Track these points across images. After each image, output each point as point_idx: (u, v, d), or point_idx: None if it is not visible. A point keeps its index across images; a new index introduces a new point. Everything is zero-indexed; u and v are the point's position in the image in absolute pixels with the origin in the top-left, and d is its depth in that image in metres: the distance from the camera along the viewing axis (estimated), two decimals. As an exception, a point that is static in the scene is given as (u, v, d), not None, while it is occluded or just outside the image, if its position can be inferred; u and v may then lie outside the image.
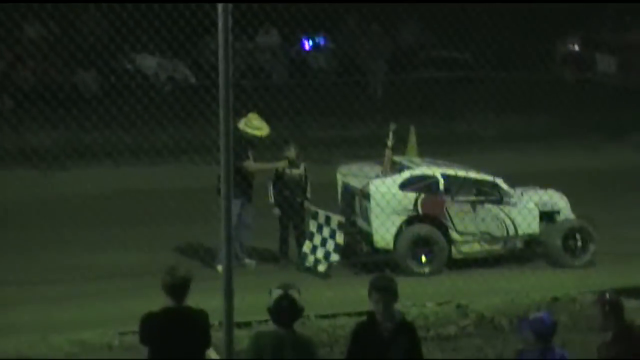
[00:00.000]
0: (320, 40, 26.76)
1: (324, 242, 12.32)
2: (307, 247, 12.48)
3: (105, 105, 15.01)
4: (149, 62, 24.72)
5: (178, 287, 6.75)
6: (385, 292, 6.80)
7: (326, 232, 12.30)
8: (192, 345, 6.77)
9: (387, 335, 6.80)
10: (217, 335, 6.96)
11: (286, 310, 6.51)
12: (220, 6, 5.92)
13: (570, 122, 21.44)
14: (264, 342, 6.56)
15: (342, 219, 12.34)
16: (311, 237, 12.47)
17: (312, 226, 12.47)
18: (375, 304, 6.80)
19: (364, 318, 7.12)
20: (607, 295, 7.06)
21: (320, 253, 12.31)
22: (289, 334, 6.56)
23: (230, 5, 5.95)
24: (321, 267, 12.26)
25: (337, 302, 10.52)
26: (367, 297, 6.88)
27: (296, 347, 6.50)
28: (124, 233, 13.33)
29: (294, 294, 6.57)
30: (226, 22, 6.53)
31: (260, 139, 12.50)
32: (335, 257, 12.22)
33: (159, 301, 6.94)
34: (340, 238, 12.16)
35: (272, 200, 12.76)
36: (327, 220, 12.34)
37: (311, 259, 12.41)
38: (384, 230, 12.32)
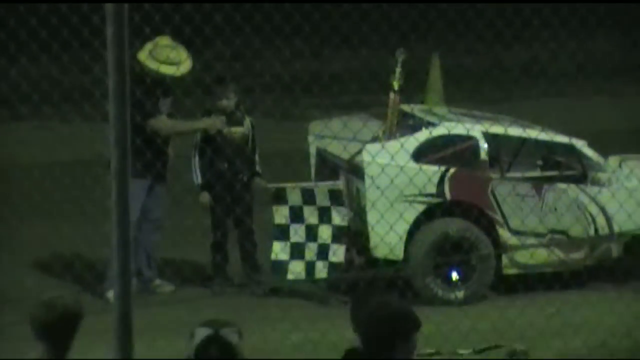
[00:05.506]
0: None
1: (309, 234, 9.67)
2: (278, 249, 9.84)
3: None
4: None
5: (56, 328, 5.39)
6: (397, 328, 5.25)
7: (311, 216, 9.59)
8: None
9: None
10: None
11: None
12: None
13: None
14: None
15: (338, 185, 9.71)
16: (282, 233, 9.73)
17: (279, 215, 9.64)
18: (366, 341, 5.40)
19: None
20: None
21: (308, 253, 9.73)
22: None
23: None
24: (322, 274, 9.65)
25: (308, 349, 8.55)
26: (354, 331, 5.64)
27: None
28: None
29: (228, 335, 5.17)
30: None
31: (176, 79, 9.82)
32: (340, 255, 9.55)
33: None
34: (338, 217, 9.48)
35: (198, 180, 10.00)
36: (309, 195, 9.58)
37: (296, 267, 9.76)
38: (386, 228, 9.72)
